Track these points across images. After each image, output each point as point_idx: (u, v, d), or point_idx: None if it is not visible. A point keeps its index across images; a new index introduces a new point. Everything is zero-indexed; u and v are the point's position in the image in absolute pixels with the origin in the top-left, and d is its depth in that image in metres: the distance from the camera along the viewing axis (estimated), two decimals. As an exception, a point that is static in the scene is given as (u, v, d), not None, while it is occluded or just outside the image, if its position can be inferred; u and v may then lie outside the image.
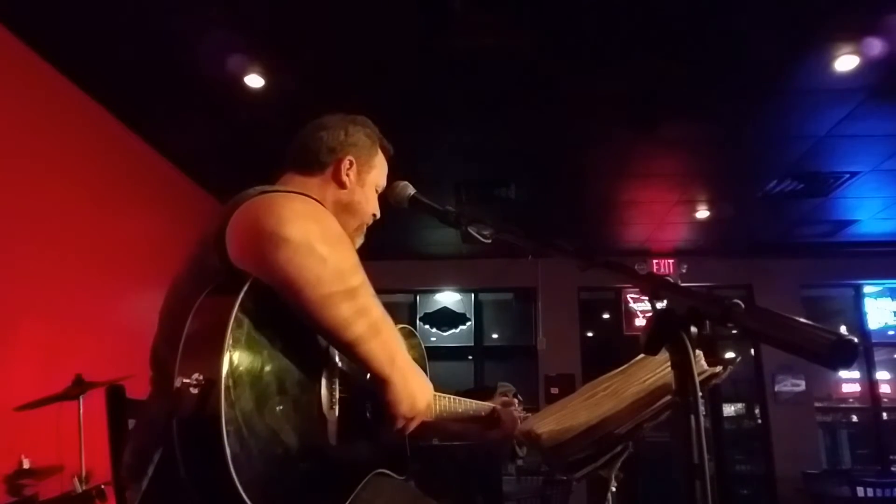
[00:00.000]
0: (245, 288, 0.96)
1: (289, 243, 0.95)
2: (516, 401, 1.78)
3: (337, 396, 1.15)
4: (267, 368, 0.98)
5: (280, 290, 0.97)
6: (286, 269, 0.95)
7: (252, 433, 0.92)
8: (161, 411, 0.98)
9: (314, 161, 1.38)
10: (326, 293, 0.98)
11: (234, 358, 0.91)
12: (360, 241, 1.45)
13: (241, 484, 0.87)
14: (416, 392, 1.13)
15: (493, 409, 1.73)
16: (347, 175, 1.39)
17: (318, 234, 0.99)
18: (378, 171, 1.47)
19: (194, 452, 0.89)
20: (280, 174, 1.40)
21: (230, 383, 0.90)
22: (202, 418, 0.88)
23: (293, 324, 1.01)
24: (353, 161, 1.40)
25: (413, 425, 1.17)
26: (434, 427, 1.61)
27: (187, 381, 0.89)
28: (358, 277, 1.04)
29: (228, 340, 0.91)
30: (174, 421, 0.89)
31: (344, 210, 1.38)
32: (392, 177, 1.48)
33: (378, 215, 1.49)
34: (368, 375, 1.10)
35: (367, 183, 1.43)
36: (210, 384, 0.88)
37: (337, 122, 1.44)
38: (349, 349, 1.04)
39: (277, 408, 0.99)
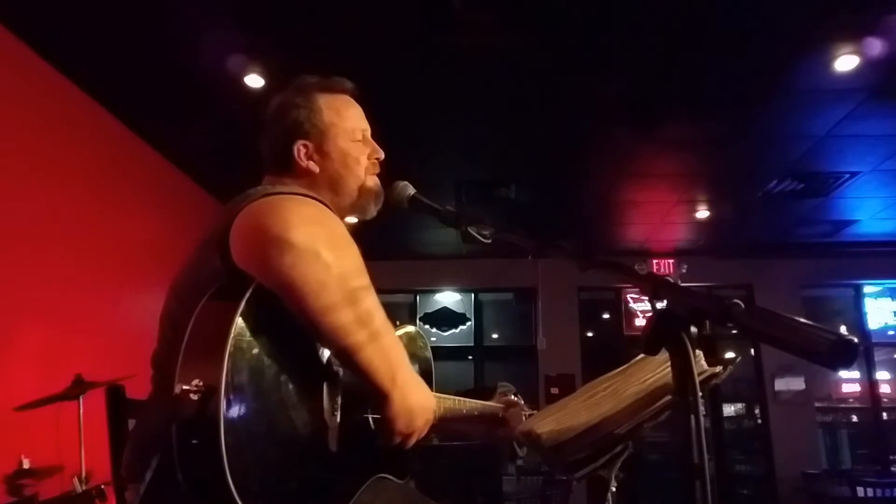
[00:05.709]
0: (247, 294, 0.96)
1: (294, 248, 0.94)
2: (522, 402, 1.77)
3: (339, 402, 1.13)
4: (268, 375, 0.97)
5: (282, 294, 0.96)
6: (290, 275, 0.94)
7: (251, 441, 0.92)
8: (161, 415, 0.97)
9: (277, 164, 1.31)
10: (329, 302, 0.97)
11: (235, 365, 0.91)
12: (377, 201, 1.37)
13: (237, 492, 0.87)
14: (415, 409, 1.09)
15: (498, 410, 1.72)
16: (311, 159, 1.29)
17: (324, 239, 0.98)
18: (340, 125, 1.32)
19: (192, 459, 0.89)
20: (261, 178, 1.32)
21: (230, 390, 0.89)
22: (201, 425, 0.87)
23: (295, 330, 1.00)
24: (306, 144, 1.29)
25: (410, 442, 1.14)
26: (437, 427, 1.60)
27: (187, 387, 0.88)
28: (361, 280, 1.03)
29: (230, 347, 0.90)
30: (173, 427, 0.89)
31: (331, 189, 1.29)
32: (392, 177, 1.40)
33: (380, 156, 1.38)
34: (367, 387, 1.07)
35: (332, 150, 1.30)
36: (210, 391, 0.88)
37: (272, 113, 1.34)
38: (348, 357, 1.02)
39: (277, 415, 0.98)
